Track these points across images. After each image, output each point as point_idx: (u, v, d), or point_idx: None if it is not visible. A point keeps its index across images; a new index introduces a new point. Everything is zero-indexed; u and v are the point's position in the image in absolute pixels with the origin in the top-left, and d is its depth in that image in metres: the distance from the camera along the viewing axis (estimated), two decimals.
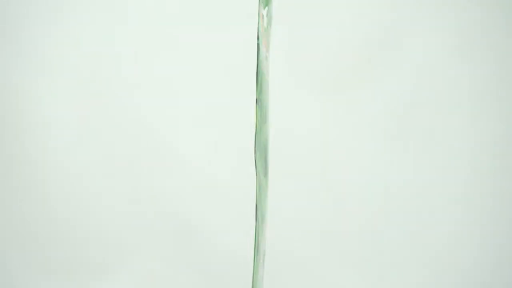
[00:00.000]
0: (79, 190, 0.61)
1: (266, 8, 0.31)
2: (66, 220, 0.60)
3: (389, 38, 0.61)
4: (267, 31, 0.31)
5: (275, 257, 0.47)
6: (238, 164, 0.55)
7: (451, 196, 0.60)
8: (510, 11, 0.61)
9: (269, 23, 0.31)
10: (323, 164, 0.61)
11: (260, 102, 0.32)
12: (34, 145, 0.62)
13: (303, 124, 0.57)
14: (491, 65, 0.60)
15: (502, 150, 0.59)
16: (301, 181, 0.55)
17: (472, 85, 0.61)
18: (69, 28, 0.64)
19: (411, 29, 0.62)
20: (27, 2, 0.64)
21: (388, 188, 0.60)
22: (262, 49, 0.31)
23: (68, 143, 0.62)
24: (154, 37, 0.63)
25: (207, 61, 0.57)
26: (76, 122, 0.64)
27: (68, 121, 0.63)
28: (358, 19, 0.63)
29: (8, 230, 0.61)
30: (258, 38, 0.30)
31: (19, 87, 0.63)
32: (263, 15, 0.31)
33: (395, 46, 0.62)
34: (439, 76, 0.61)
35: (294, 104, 0.53)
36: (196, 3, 0.58)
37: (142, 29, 0.64)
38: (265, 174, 0.33)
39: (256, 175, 0.31)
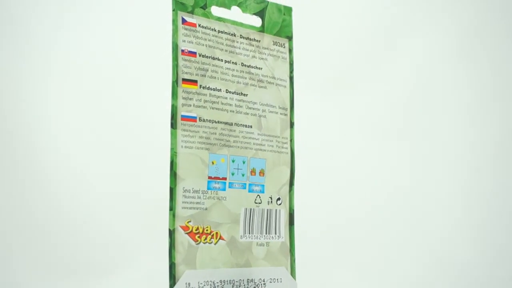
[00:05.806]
0: (80, 190, 0.61)
1: None
2: (67, 220, 0.60)
3: (389, 38, 0.61)
4: None
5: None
6: None
7: (451, 196, 0.60)
8: (509, 12, 0.61)
9: None
10: (322, 163, 0.61)
11: None
12: (35, 146, 0.62)
13: (303, 123, 0.57)
14: (491, 65, 0.61)
15: (503, 149, 0.59)
16: (300, 180, 0.55)
17: (472, 85, 0.61)
18: (69, 29, 0.64)
19: (410, 29, 0.62)
20: (27, 3, 0.64)
21: (387, 187, 0.60)
22: None
23: (69, 144, 0.62)
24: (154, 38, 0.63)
25: None
26: (78, 122, 0.63)
27: (69, 122, 0.63)
28: (358, 19, 0.63)
29: (9, 230, 0.61)
30: None
31: (19, 87, 0.63)
32: None
33: (395, 46, 0.62)
34: (439, 76, 0.62)
35: (294, 104, 0.53)
36: None
37: (142, 29, 0.64)
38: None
39: None
